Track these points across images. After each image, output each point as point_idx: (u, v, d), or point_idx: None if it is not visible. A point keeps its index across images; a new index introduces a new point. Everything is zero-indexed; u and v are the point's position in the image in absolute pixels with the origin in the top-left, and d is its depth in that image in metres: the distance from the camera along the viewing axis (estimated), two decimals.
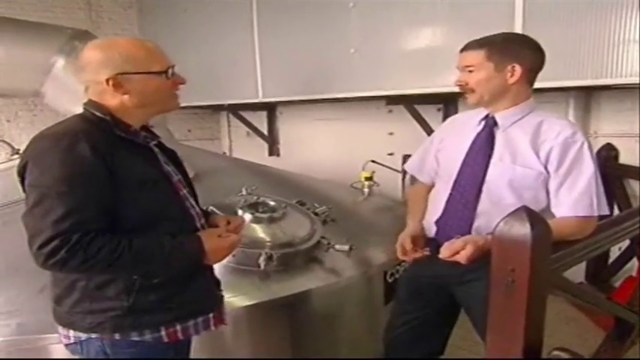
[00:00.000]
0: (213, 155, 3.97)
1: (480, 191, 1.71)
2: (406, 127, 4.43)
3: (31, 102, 5.59)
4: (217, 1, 4.98)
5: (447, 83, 3.32)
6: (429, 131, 4.23)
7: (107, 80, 1.38)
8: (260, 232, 2.18)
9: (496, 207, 1.65)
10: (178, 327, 1.47)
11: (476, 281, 1.71)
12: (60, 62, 2.91)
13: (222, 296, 1.66)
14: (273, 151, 5.94)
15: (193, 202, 1.58)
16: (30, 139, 1.38)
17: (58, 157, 1.28)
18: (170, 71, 1.46)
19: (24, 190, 1.35)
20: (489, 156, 1.71)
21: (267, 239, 2.14)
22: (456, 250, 1.57)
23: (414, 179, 2.13)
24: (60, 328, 1.47)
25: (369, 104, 4.77)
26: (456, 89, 1.79)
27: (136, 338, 1.41)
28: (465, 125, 1.85)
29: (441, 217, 1.82)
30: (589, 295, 1.32)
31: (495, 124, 1.74)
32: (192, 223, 1.53)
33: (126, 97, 1.40)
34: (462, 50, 1.74)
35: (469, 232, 1.70)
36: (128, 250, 1.31)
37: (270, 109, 5.81)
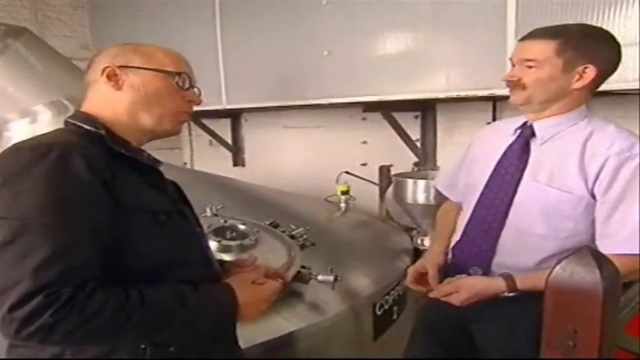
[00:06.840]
0: (169, 167, 3.57)
1: (505, 216, 1.40)
2: (380, 135, 4.16)
3: None
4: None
5: (427, 88, 3.04)
6: (406, 139, 3.97)
7: (103, 70, 1.09)
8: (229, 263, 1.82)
9: (523, 238, 1.36)
10: None
11: (495, 320, 1.42)
12: None
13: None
14: (238, 161, 5.57)
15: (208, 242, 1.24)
16: None
17: (42, 176, 0.90)
18: (185, 80, 1.14)
19: None
20: (521, 173, 1.41)
21: None
22: (446, 292, 1.38)
23: (440, 196, 1.83)
24: None
25: (341, 111, 4.48)
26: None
27: None
28: (501, 134, 1.54)
29: (458, 244, 1.53)
30: None
31: (533, 134, 1.44)
32: (213, 269, 1.17)
33: (118, 93, 1.09)
34: (524, 39, 1.39)
35: (489, 267, 1.41)
36: (140, 305, 0.92)
37: (235, 116, 5.45)
